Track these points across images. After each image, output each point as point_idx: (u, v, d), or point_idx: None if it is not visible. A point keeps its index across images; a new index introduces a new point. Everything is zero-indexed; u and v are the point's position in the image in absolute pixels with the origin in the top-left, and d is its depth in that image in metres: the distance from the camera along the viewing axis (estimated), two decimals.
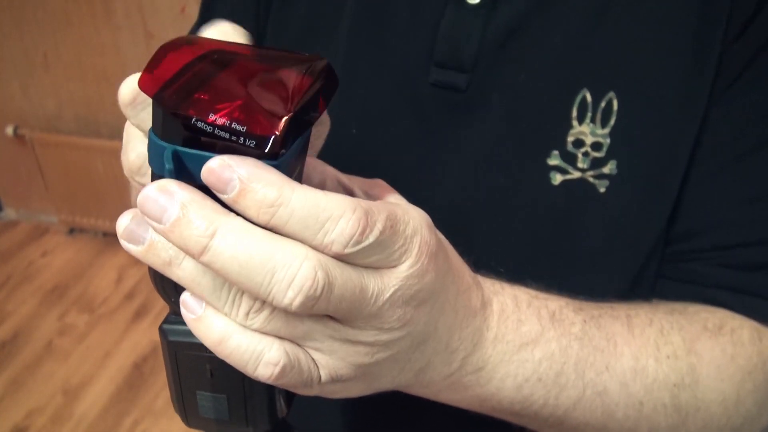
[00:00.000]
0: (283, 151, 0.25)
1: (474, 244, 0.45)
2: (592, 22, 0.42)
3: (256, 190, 0.24)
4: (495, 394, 0.35)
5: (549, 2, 0.43)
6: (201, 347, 0.28)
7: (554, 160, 0.43)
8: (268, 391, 0.32)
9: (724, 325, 0.42)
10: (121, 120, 0.30)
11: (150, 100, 0.27)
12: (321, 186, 0.32)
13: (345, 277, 0.25)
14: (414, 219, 0.28)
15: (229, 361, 0.27)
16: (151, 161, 0.26)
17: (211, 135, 0.24)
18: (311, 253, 0.24)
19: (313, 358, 0.28)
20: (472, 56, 0.44)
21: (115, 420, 1.60)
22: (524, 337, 0.35)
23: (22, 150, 2.12)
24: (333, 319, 0.27)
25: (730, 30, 0.41)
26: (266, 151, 0.24)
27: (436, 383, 0.33)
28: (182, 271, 0.26)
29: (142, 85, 0.26)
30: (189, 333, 0.28)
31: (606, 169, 0.43)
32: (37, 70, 2.00)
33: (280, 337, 0.27)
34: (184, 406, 0.33)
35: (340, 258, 0.25)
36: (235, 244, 0.24)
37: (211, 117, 0.24)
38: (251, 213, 0.24)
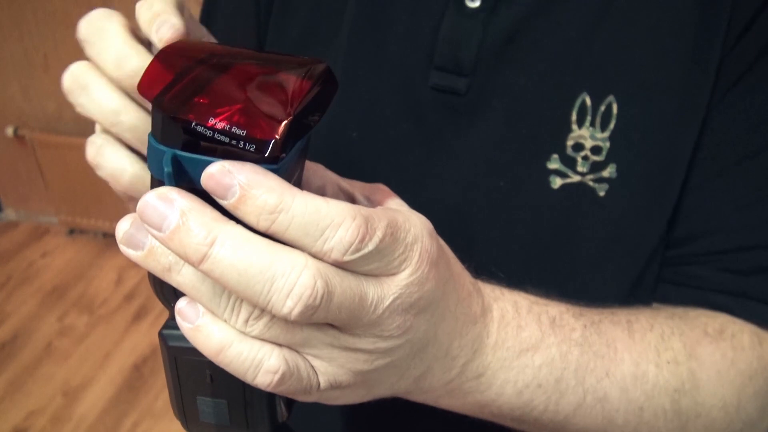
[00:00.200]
0: (283, 155, 0.25)
1: (474, 247, 0.45)
2: (591, 26, 0.42)
3: (257, 196, 0.24)
4: (495, 400, 0.35)
5: (549, 6, 0.43)
6: (201, 352, 0.28)
7: (554, 164, 0.43)
8: (268, 396, 0.32)
9: (725, 330, 0.42)
10: None
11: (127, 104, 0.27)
12: (321, 191, 0.32)
13: (344, 285, 0.25)
14: (415, 226, 0.27)
15: (228, 369, 0.27)
16: (150, 166, 0.26)
17: (211, 139, 0.24)
18: (311, 261, 0.24)
19: (312, 365, 0.28)
20: (471, 60, 0.44)
21: (115, 421, 1.60)
22: (524, 343, 0.35)
23: (22, 151, 2.12)
24: (332, 326, 0.27)
25: (730, 34, 0.41)
26: (266, 155, 0.24)
27: (436, 389, 0.33)
28: (182, 277, 0.26)
29: (142, 88, 0.26)
30: None
31: (606, 173, 0.43)
32: (38, 71, 2.00)
33: (280, 344, 0.27)
34: (184, 411, 0.33)
35: (340, 265, 0.25)
36: (234, 253, 0.24)
37: (211, 121, 0.24)
38: (251, 219, 0.24)
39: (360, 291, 0.26)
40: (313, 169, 0.32)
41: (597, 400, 0.37)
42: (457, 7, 0.43)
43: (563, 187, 0.43)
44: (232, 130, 0.24)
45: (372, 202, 0.32)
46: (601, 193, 0.43)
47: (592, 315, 0.39)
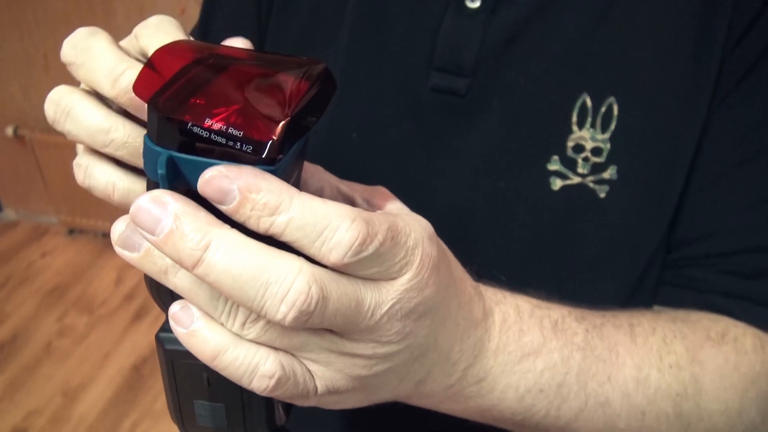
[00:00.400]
0: (281, 156, 0.24)
1: (473, 249, 0.45)
2: (592, 27, 0.42)
3: (256, 200, 0.24)
4: (496, 405, 0.35)
5: (549, 7, 0.43)
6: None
7: (554, 165, 0.43)
8: (266, 399, 0.31)
9: (727, 334, 0.41)
10: None
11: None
12: (318, 193, 0.32)
13: (340, 291, 0.25)
14: (416, 230, 0.27)
15: (224, 374, 0.26)
16: (146, 168, 0.26)
17: (208, 140, 0.24)
18: (306, 266, 0.24)
19: (309, 370, 0.28)
20: (472, 61, 0.43)
21: (114, 422, 1.60)
22: (526, 347, 0.34)
23: (21, 151, 2.12)
24: (330, 331, 0.27)
25: (731, 36, 0.41)
26: (263, 156, 0.24)
27: (437, 394, 0.33)
28: (179, 279, 0.26)
29: (137, 90, 0.25)
30: None
31: (606, 175, 0.43)
32: (37, 71, 1.99)
33: (276, 348, 0.27)
34: (182, 415, 0.33)
35: (339, 269, 0.25)
36: (229, 257, 0.23)
37: (208, 122, 0.24)
38: (251, 223, 0.24)
39: (357, 296, 0.25)
40: (312, 171, 0.32)
41: (599, 405, 0.37)
42: (457, 8, 0.43)
43: (563, 188, 0.43)
44: (229, 131, 0.24)
45: (372, 206, 0.32)
46: (602, 195, 0.43)
47: (594, 318, 0.39)
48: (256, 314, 0.26)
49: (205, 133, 0.24)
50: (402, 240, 0.26)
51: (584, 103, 0.42)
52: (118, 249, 0.26)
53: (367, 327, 0.26)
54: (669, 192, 0.43)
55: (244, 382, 0.26)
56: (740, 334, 0.42)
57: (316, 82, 0.26)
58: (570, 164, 0.43)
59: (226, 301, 0.26)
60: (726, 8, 0.41)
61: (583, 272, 0.45)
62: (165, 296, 0.29)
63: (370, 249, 0.25)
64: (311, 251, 0.24)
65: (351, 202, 0.32)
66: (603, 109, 0.42)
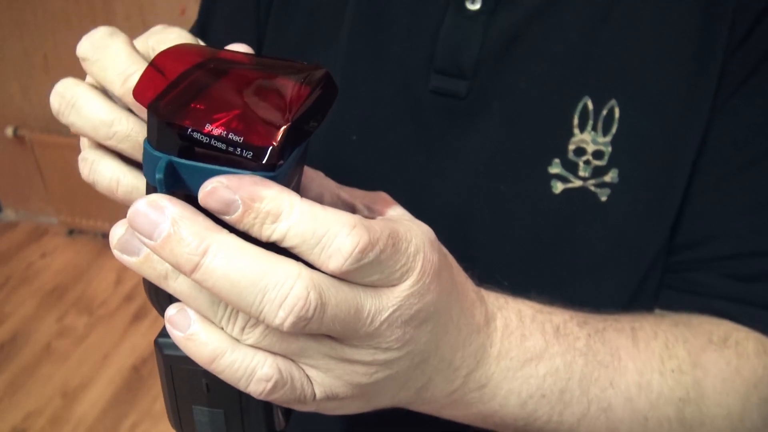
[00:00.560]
0: (281, 162, 0.24)
1: (474, 252, 0.45)
2: (593, 29, 0.42)
3: (259, 209, 0.23)
4: (498, 410, 0.34)
5: (550, 9, 0.42)
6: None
7: (555, 169, 0.43)
8: (265, 405, 0.31)
9: (729, 337, 0.41)
10: None
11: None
12: (318, 199, 0.31)
13: (339, 297, 0.25)
14: (417, 236, 0.27)
15: (221, 377, 0.26)
16: (145, 172, 0.26)
17: (207, 146, 0.24)
18: (305, 272, 0.24)
19: (307, 375, 0.28)
20: (472, 63, 0.43)
21: (114, 422, 1.59)
22: (528, 352, 0.34)
23: (21, 151, 2.11)
24: (330, 336, 0.27)
25: (732, 38, 0.41)
26: (264, 162, 0.24)
27: (438, 400, 0.33)
28: (178, 284, 0.26)
29: (137, 94, 0.25)
30: None
31: (608, 178, 0.43)
32: (37, 71, 1.99)
33: (275, 353, 0.26)
34: (180, 420, 0.32)
35: (340, 276, 0.25)
36: (227, 263, 0.23)
37: (208, 127, 0.24)
38: (254, 231, 0.24)
39: (356, 303, 0.25)
40: (312, 177, 0.32)
41: (601, 410, 0.36)
42: (457, 9, 0.43)
43: (565, 191, 0.43)
44: (229, 136, 0.24)
45: (373, 212, 0.32)
46: (603, 198, 0.43)
47: (596, 323, 0.38)
48: (255, 319, 0.25)
49: (205, 139, 0.24)
50: (403, 247, 0.26)
51: (585, 106, 0.42)
52: (116, 253, 0.26)
53: (367, 333, 0.26)
54: (670, 195, 0.43)
55: (241, 386, 0.26)
56: (742, 337, 0.42)
57: (317, 87, 0.26)
58: (571, 167, 0.43)
59: (225, 306, 0.26)
60: (727, 10, 0.40)
61: (585, 276, 0.44)
62: (163, 300, 0.28)
63: (371, 256, 0.24)
64: (311, 258, 0.24)
65: (352, 208, 0.32)
66: (604, 112, 0.42)
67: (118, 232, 0.26)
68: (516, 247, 0.45)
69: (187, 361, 0.29)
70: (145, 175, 0.26)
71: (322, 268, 0.24)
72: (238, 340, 0.26)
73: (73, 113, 0.30)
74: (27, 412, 1.61)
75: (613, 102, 0.42)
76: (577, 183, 0.43)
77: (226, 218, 0.24)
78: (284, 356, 0.27)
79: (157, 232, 0.24)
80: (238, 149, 0.24)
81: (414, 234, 0.27)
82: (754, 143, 0.42)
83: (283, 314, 0.23)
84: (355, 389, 0.28)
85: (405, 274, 0.26)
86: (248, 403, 0.31)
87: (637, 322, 0.40)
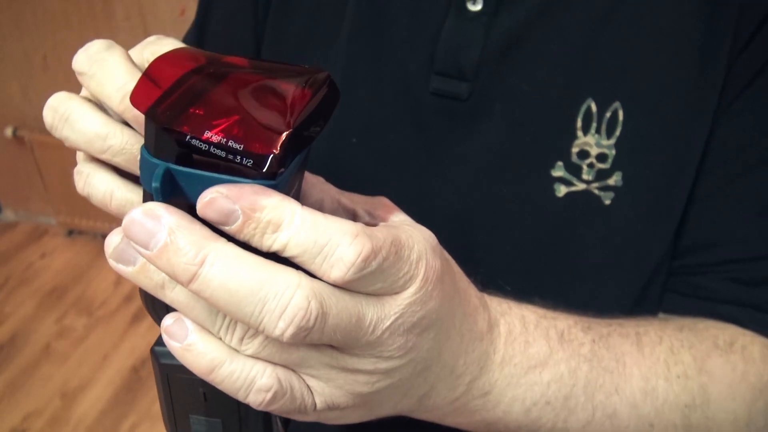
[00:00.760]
0: (282, 170, 0.24)
1: (476, 256, 0.44)
2: (596, 31, 0.41)
3: (260, 219, 0.23)
4: (502, 418, 0.34)
5: (552, 10, 0.42)
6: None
7: (558, 172, 0.42)
8: (264, 414, 0.31)
9: (735, 342, 0.41)
10: None
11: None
12: (319, 204, 0.31)
13: (341, 306, 0.24)
14: (419, 243, 0.27)
15: (220, 387, 0.26)
16: (142, 180, 0.25)
17: (206, 153, 0.23)
18: (305, 281, 0.23)
19: (308, 385, 0.27)
20: (473, 64, 0.43)
21: (113, 423, 1.59)
22: (532, 359, 0.34)
23: (21, 151, 2.11)
24: (331, 346, 0.26)
25: (737, 41, 0.40)
26: (264, 170, 0.23)
27: (441, 408, 0.32)
28: (176, 294, 0.25)
29: (134, 100, 0.25)
30: None
31: (611, 181, 0.42)
32: (37, 72, 1.99)
33: (275, 363, 0.26)
34: (177, 430, 0.32)
35: (342, 285, 0.24)
36: (225, 272, 0.23)
37: (206, 134, 0.23)
38: (254, 241, 0.23)
39: (358, 312, 0.25)
40: (312, 182, 0.31)
41: (606, 417, 0.36)
42: (459, 11, 0.42)
43: (568, 195, 0.42)
44: (229, 143, 0.23)
45: (374, 217, 0.31)
46: (607, 202, 0.42)
47: (600, 328, 0.38)
48: (254, 329, 0.25)
49: (203, 146, 0.23)
50: (405, 254, 0.26)
51: (589, 108, 0.42)
52: (112, 263, 0.26)
53: (369, 342, 0.26)
54: (675, 199, 0.42)
55: (240, 396, 0.26)
56: (748, 342, 0.41)
57: (318, 91, 0.25)
58: (575, 170, 0.42)
59: (224, 316, 0.25)
60: (732, 13, 0.40)
61: (588, 280, 0.44)
62: (160, 309, 0.28)
63: (374, 265, 0.24)
64: (313, 268, 0.24)
65: (353, 214, 0.32)
66: (608, 115, 0.41)
67: (113, 240, 0.25)
68: (518, 250, 0.44)
69: (184, 370, 0.28)
70: (142, 183, 0.25)
71: (324, 278, 0.24)
72: (236, 350, 0.26)
73: (67, 127, 0.30)
74: (26, 413, 1.61)
75: (616, 104, 0.41)
76: (581, 186, 0.42)
77: (226, 229, 0.23)
78: (284, 366, 0.26)
79: (154, 241, 0.23)
80: (238, 157, 0.23)
81: (416, 240, 0.27)
82: (759, 146, 0.41)
83: (283, 325, 0.23)
84: (356, 398, 0.28)
85: (408, 281, 0.26)
86: (247, 412, 0.31)
87: (642, 327, 0.40)
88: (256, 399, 0.26)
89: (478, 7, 0.42)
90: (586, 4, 0.42)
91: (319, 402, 0.27)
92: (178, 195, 0.24)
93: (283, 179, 0.24)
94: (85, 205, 2.11)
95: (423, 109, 0.45)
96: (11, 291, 1.98)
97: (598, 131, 0.42)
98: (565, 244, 0.43)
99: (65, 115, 0.30)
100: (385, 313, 0.26)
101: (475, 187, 0.44)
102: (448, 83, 0.43)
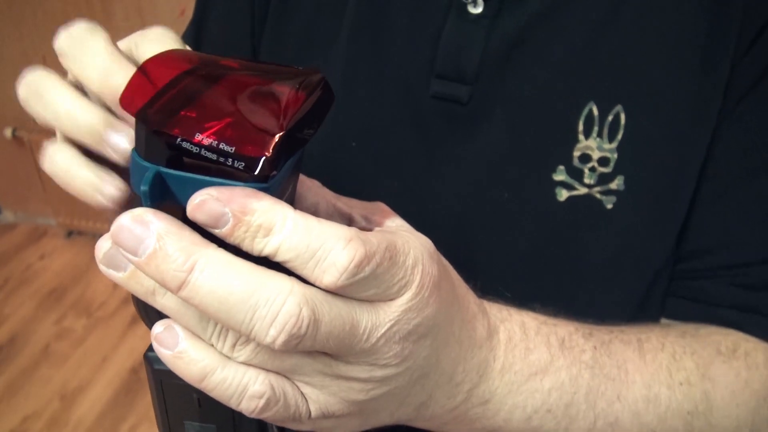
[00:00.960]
0: (274, 173, 0.23)
1: (476, 261, 0.44)
2: (598, 34, 0.41)
3: (251, 222, 0.23)
4: (503, 426, 0.34)
5: (553, 12, 0.41)
6: None
7: (560, 176, 0.42)
8: (258, 421, 0.30)
9: (738, 348, 0.40)
10: None
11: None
12: (314, 207, 0.30)
13: (334, 313, 0.24)
14: (415, 248, 0.26)
15: (212, 395, 0.25)
16: (132, 183, 0.25)
17: (197, 156, 0.23)
18: (297, 287, 0.23)
19: (302, 392, 0.27)
20: (474, 67, 0.42)
21: (112, 425, 1.59)
22: (533, 366, 0.33)
23: (20, 152, 2.11)
24: (325, 353, 0.26)
25: (741, 43, 0.40)
26: (256, 173, 0.23)
27: (440, 417, 0.32)
28: (167, 300, 0.25)
29: (124, 102, 0.24)
30: None
31: (613, 185, 0.42)
32: None
33: (268, 370, 0.26)
34: None
35: (336, 291, 0.24)
36: (215, 279, 0.22)
37: (198, 137, 0.23)
38: (245, 245, 0.23)
39: (351, 318, 0.24)
40: (308, 186, 0.31)
41: (608, 425, 0.36)
42: (459, 13, 0.42)
43: (570, 199, 0.42)
44: (220, 146, 0.23)
45: (371, 222, 0.31)
46: (609, 206, 0.42)
47: (602, 335, 0.38)
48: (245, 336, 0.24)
49: (194, 149, 0.23)
50: (401, 259, 0.25)
51: (591, 112, 0.41)
52: (102, 268, 0.25)
53: (363, 350, 0.25)
54: (677, 202, 0.42)
55: (232, 404, 0.25)
56: (751, 348, 0.41)
57: (312, 92, 0.25)
58: (576, 174, 0.42)
59: (215, 322, 0.25)
60: (735, 16, 0.39)
61: (590, 284, 0.44)
62: (153, 316, 0.27)
63: (367, 270, 0.24)
64: (305, 273, 0.23)
65: (349, 218, 0.31)
66: (610, 118, 0.41)
67: (104, 246, 0.25)
68: (519, 255, 0.44)
69: (177, 376, 0.28)
70: (133, 187, 0.25)
71: (317, 283, 0.24)
72: (229, 357, 0.25)
73: (40, 103, 0.29)
74: (25, 415, 1.61)
75: (618, 108, 0.41)
76: (583, 190, 0.42)
77: (216, 232, 0.23)
78: (277, 373, 0.26)
79: (142, 248, 0.23)
80: (230, 160, 0.23)
81: (412, 246, 0.26)
82: (762, 150, 0.41)
83: (274, 332, 0.23)
84: (351, 406, 0.27)
85: (403, 287, 0.26)
86: (241, 418, 0.30)
87: (644, 334, 0.39)
88: (248, 406, 0.25)
89: (478, 9, 0.42)
90: (587, 7, 0.41)
91: (314, 409, 0.27)
92: (170, 198, 0.24)
93: (275, 182, 0.23)
94: (84, 206, 2.11)
95: (423, 112, 0.44)
96: (10, 292, 1.97)
97: (599, 135, 0.41)
98: (567, 248, 0.43)
99: (39, 90, 0.29)
100: (379, 320, 0.25)
101: (476, 191, 0.44)
102: (449, 86, 0.43)
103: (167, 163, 0.23)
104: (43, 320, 1.88)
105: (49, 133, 0.30)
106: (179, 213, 0.24)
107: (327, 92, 0.26)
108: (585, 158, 0.42)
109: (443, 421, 0.33)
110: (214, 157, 0.23)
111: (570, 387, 0.34)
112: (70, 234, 2.21)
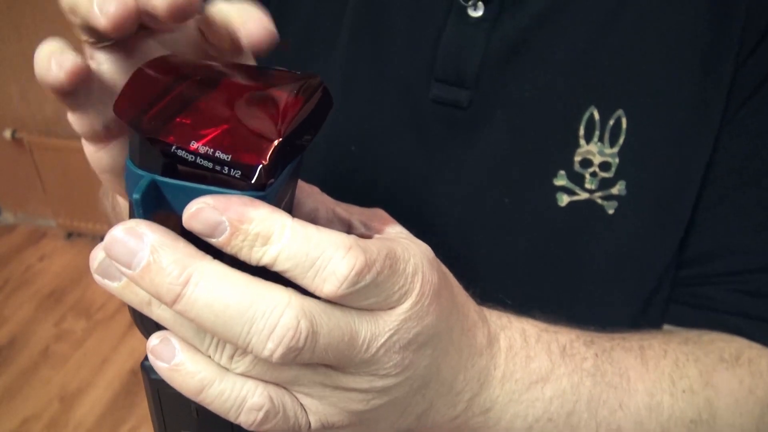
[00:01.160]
0: (272, 180, 0.23)
1: (477, 266, 0.44)
2: (599, 37, 0.41)
3: (248, 231, 0.22)
4: None
5: (555, 16, 0.41)
6: None
7: (561, 181, 0.42)
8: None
9: (741, 355, 0.40)
10: None
11: None
12: (313, 213, 0.30)
13: (332, 324, 0.23)
14: (415, 256, 0.26)
15: (210, 407, 0.25)
16: (128, 191, 0.24)
17: (193, 164, 0.22)
18: (294, 299, 0.23)
19: (301, 404, 0.26)
20: (474, 71, 0.42)
21: (112, 427, 1.59)
22: (534, 374, 0.33)
23: (20, 154, 2.11)
24: (324, 364, 0.25)
25: (743, 47, 0.39)
26: (253, 182, 0.22)
27: (441, 426, 0.32)
28: (163, 311, 0.25)
29: (118, 109, 0.24)
30: None
31: (615, 190, 0.41)
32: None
33: (267, 381, 0.25)
34: None
35: (335, 300, 0.23)
36: (210, 292, 0.22)
37: (193, 145, 0.22)
38: (242, 255, 0.23)
39: (350, 329, 0.24)
40: (307, 192, 0.30)
41: None
42: (459, 16, 0.42)
43: (571, 204, 0.42)
44: (216, 154, 0.22)
45: (370, 229, 0.31)
46: (610, 211, 0.42)
47: (604, 342, 0.37)
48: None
49: (190, 157, 0.22)
50: (401, 267, 0.25)
51: (592, 116, 0.41)
52: (97, 278, 0.25)
53: (363, 361, 0.25)
54: (679, 208, 0.42)
55: (231, 416, 0.25)
56: (755, 355, 0.41)
57: (310, 98, 0.24)
58: (577, 179, 0.41)
59: None
60: (738, 19, 0.39)
61: (591, 290, 0.43)
62: (150, 326, 0.27)
63: (368, 279, 0.23)
64: (304, 282, 0.23)
65: (348, 225, 0.31)
66: (611, 123, 0.41)
67: (98, 255, 0.25)
68: (520, 260, 0.43)
69: None
70: (128, 195, 0.24)
71: (317, 293, 0.23)
72: (226, 369, 0.25)
73: None
74: (25, 417, 1.61)
75: (620, 112, 0.40)
76: (584, 195, 0.41)
77: (213, 241, 0.22)
78: (276, 384, 0.25)
79: (136, 261, 0.22)
80: (226, 168, 0.22)
81: (412, 254, 0.26)
82: (765, 156, 0.40)
83: (272, 345, 0.22)
84: (352, 417, 0.27)
85: (403, 296, 0.25)
86: (240, 428, 0.30)
87: (646, 341, 0.39)
88: (247, 419, 0.25)
89: (479, 12, 0.41)
90: (588, 11, 0.41)
91: (314, 421, 0.27)
92: (165, 207, 0.23)
93: (273, 190, 0.23)
94: (84, 208, 2.11)
95: (423, 116, 0.44)
96: (10, 294, 1.97)
97: (601, 139, 0.41)
98: (568, 254, 0.43)
99: None
100: (379, 329, 0.25)
101: (476, 196, 0.43)
102: (449, 90, 0.43)
103: (162, 171, 0.23)
104: (43, 322, 1.88)
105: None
106: (175, 222, 0.23)
107: (326, 97, 0.25)
108: (586, 163, 0.41)
109: (444, 430, 0.32)
110: (210, 165, 0.22)
111: (571, 395, 0.34)
112: (69, 235, 2.21)
